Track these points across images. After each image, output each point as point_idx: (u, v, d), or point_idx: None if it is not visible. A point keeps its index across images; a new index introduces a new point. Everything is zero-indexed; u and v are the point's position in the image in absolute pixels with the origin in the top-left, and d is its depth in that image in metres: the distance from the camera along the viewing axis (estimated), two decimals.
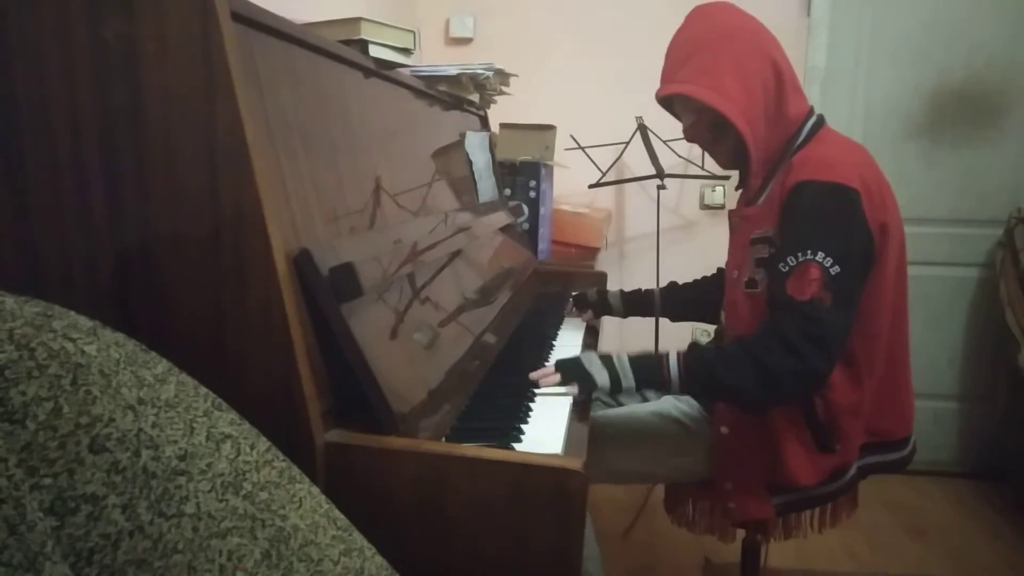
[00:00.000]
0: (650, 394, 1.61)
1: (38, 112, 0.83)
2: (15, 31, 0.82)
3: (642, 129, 2.39)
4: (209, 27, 0.79)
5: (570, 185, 2.63)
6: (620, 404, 1.59)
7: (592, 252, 2.60)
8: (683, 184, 2.65)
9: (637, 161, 2.46)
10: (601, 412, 1.46)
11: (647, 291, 1.75)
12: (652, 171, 2.35)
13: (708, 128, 1.30)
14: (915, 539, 2.25)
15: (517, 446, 0.95)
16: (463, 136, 1.80)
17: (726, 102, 1.21)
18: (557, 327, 1.67)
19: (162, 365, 0.69)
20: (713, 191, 2.70)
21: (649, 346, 2.33)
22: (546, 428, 1.03)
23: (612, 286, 1.95)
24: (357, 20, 1.22)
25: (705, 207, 2.73)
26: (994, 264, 2.51)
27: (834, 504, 1.40)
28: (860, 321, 1.21)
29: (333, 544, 0.74)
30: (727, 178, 2.44)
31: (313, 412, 0.83)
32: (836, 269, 1.13)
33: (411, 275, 1.12)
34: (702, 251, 2.70)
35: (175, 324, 0.85)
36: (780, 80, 1.24)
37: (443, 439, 0.96)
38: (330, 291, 0.87)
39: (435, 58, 2.67)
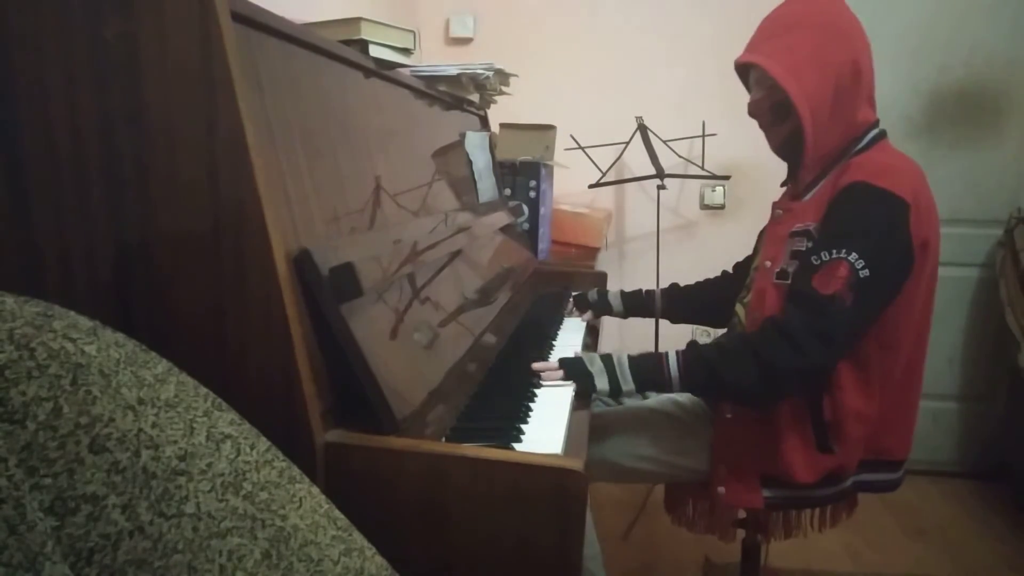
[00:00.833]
0: (651, 392, 1.62)
1: (38, 112, 0.83)
2: (15, 31, 0.82)
3: (642, 129, 2.39)
4: (209, 27, 0.79)
5: (570, 185, 2.63)
6: (619, 402, 1.59)
7: (592, 252, 2.60)
8: (683, 184, 2.66)
9: (637, 161, 2.46)
10: (602, 410, 1.46)
11: (648, 292, 1.75)
12: (652, 171, 2.36)
13: (771, 108, 1.28)
14: (915, 539, 2.25)
15: (517, 446, 0.95)
16: (463, 136, 1.80)
17: (797, 85, 1.21)
18: (557, 327, 1.67)
19: (162, 365, 0.69)
20: (713, 191, 2.70)
21: (649, 345, 2.33)
22: (546, 428, 1.03)
23: (612, 286, 1.95)
24: (357, 20, 1.22)
25: (705, 207, 2.73)
26: (994, 264, 2.51)
27: (834, 505, 1.40)
28: (883, 329, 1.20)
29: (333, 544, 0.74)
30: (727, 178, 2.45)
31: (313, 412, 0.83)
32: (865, 273, 1.12)
33: (411, 275, 1.12)
34: (702, 251, 2.70)
35: (175, 324, 0.85)
36: (857, 83, 1.23)
37: (443, 439, 0.96)
38: (330, 291, 0.87)
39: (435, 58, 2.67)
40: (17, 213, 0.86)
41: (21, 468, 0.51)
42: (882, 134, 1.31)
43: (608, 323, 2.02)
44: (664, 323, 2.25)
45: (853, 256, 1.13)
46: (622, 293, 1.77)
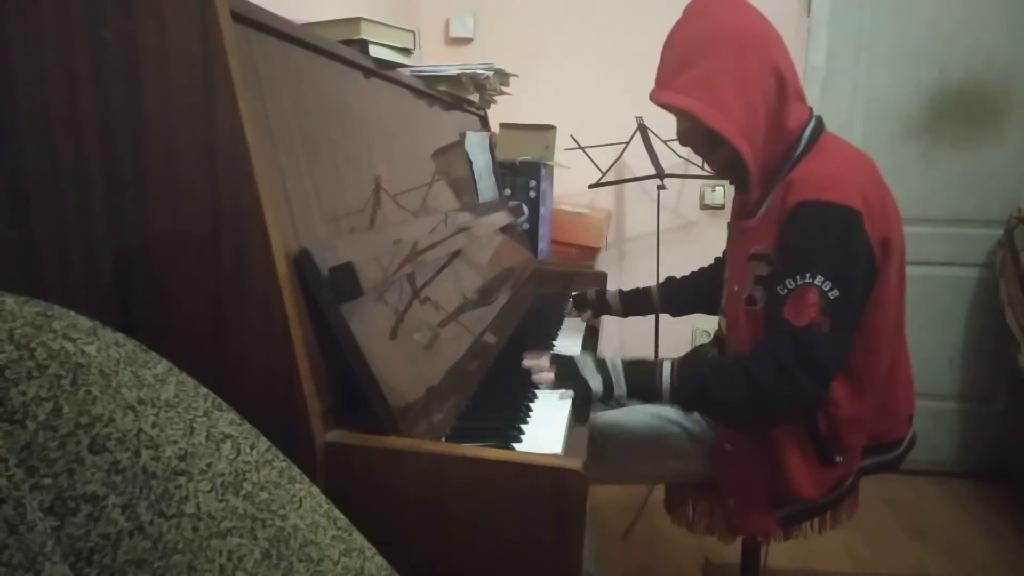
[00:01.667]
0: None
1: (38, 112, 0.83)
2: (15, 31, 0.82)
3: (642, 129, 2.39)
4: (209, 27, 0.79)
5: (570, 185, 2.63)
6: (621, 404, 1.59)
7: (592, 252, 2.60)
8: (683, 184, 2.65)
9: (637, 161, 2.46)
10: (601, 414, 1.45)
11: (645, 289, 1.75)
12: (652, 171, 2.35)
13: (703, 138, 1.25)
14: (915, 539, 2.25)
15: (517, 446, 0.95)
16: (463, 136, 1.80)
17: (725, 121, 1.17)
18: (557, 327, 1.67)
19: (162, 365, 0.69)
20: (713, 191, 2.70)
21: (649, 345, 2.33)
22: (546, 428, 1.03)
23: (612, 286, 1.95)
24: (357, 20, 1.21)
25: (705, 207, 2.73)
26: (994, 264, 2.51)
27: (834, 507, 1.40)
28: (863, 335, 1.19)
29: (333, 544, 0.74)
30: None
31: (313, 412, 0.83)
32: (835, 293, 1.10)
33: (411, 275, 1.12)
34: (702, 251, 2.68)
35: (175, 324, 0.85)
36: (783, 88, 1.19)
37: (443, 439, 0.96)
38: (330, 291, 0.87)
39: (435, 58, 2.67)
40: (17, 213, 0.86)
41: (21, 468, 0.51)
42: (819, 126, 1.26)
43: (608, 323, 2.02)
44: (664, 323, 2.26)
45: (819, 279, 1.10)
46: (620, 292, 1.76)
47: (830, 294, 1.10)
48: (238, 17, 0.84)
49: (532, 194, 2.25)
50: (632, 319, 1.82)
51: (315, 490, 0.78)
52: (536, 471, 0.83)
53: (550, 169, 2.37)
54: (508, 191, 2.23)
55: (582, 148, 2.40)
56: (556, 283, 2.12)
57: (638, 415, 1.44)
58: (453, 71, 1.60)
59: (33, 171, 0.84)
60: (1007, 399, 2.59)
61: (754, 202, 1.28)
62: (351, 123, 1.14)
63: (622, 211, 2.80)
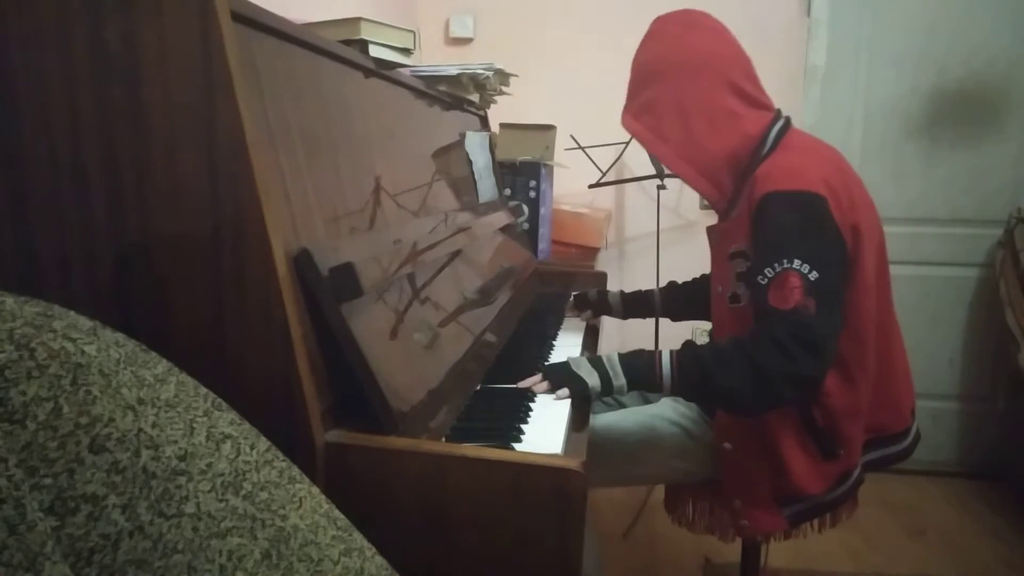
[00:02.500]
0: (652, 395, 1.62)
1: (38, 112, 0.83)
2: (15, 31, 0.82)
3: None
4: (209, 27, 0.79)
5: (570, 185, 2.63)
6: (622, 405, 1.59)
7: (592, 252, 2.60)
8: (683, 184, 2.63)
9: (637, 161, 2.46)
10: (602, 416, 1.45)
11: (647, 292, 1.75)
12: (652, 171, 2.35)
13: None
14: (915, 539, 2.25)
15: (517, 446, 0.95)
16: (463, 136, 1.80)
17: (662, 146, 1.28)
18: (557, 327, 1.67)
19: (162, 365, 0.69)
20: None
21: (649, 346, 2.33)
22: (546, 428, 1.03)
23: (612, 286, 1.95)
24: (357, 20, 1.22)
25: (705, 207, 2.73)
26: (994, 264, 2.51)
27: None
28: (847, 323, 1.20)
29: (333, 544, 0.74)
30: None
31: (313, 412, 0.83)
32: (815, 275, 1.11)
33: (411, 275, 1.12)
34: (702, 251, 2.67)
35: (175, 324, 0.85)
36: (734, 99, 1.26)
37: (443, 439, 0.96)
38: (330, 291, 0.87)
39: (435, 58, 2.67)
40: (17, 214, 0.86)
41: (21, 468, 0.51)
42: (786, 125, 1.31)
43: (608, 323, 2.02)
44: (664, 325, 2.26)
45: (796, 263, 1.12)
46: (622, 294, 1.76)
47: (810, 276, 1.12)
48: (238, 17, 0.84)
49: (532, 194, 2.25)
50: (632, 320, 1.82)
51: (315, 490, 0.78)
52: (536, 471, 0.83)
53: (550, 169, 2.37)
54: (508, 191, 2.24)
55: (582, 148, 2.40)
56: (556, 283, 2.12)
57: (636, 417, 1.44)
58: (453, 71, 1.60)
59: (33, 171, 0.84)
60: (1007, 399, 2.59)
61: (726, 205, 1.32)
62: (351, 123, 1.14)
63: (622, 211, 2.80)
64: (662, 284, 1.76)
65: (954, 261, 2.59)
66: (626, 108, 1.35)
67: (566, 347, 1.51)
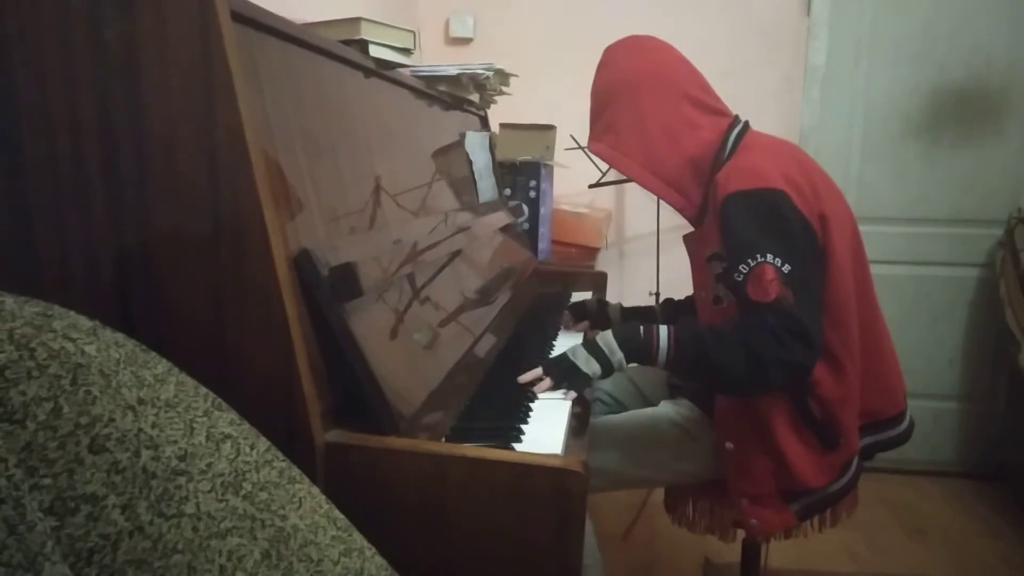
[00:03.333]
0: (649, 392, 1.61)
1: (38, 112, 0.83)
2: (15, 31, 0.82)
3: None
4: (209, 27, 0.79)
5: (570, 185, 2.63)
6: (622, 407, 1.59)
7: (592, 252, 2.60)
8: None
9: None
10: (602, 418, 1.45)
11: (648, 308, 1.72)
12: None
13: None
14: (915, 539, 2.25)
15: (517, 446, 0.95)
16: (463, 136, 1.80)
17: (627, 161, 1.31)
18: (557, 327, 1.67)
19: (162, 365, 0.69)
20: None
21: None
22: (546, 428, 1.03)
23: (612, 286, 1.94)
24: (357, 20, 1.22)
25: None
26: (994, 264, 2.51)
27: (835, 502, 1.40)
28: (828, 312, 1.23)
29: (333, 544, 0.74)
30: None
31: (313, 412, 0.83)
32: (787, 267, 1.14)
33: (411, 275, 1.12)
34: None
35: (175, 324, 0.85)
36: (689, 109, 1.31)
37: (443, 439, 0.96)
38: (330, 291, 0.87)
39: (435, 58, 2.67)
40: (17, 213, 0.86)
41: (21, 468, 0.51)
42: (744, 130, 1.34)
43: None
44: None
45: (769, 257, 1.15)
46: (622, 307, 1.72)
47: (783, 268, 1.15)
48: (238, 17, 0.84)
49: (532, 194, 2.25)
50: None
51: (315, 490, 0.78)
52: (536, 471, 0.83)
53: (550, 169, 2.37)
54: (508, 191, 2.23)
55: (582, 148, 2.40)
56: (556, 283, 2.12)
57: (636, 419, 1.44)
58: (453, 71, 1.60)
59: (33, 171, 0.84)
60: (1007, 399, 2.59)
61: (697, 213, 1.35)
62: (351, 123, 1.14)
63: (622, 211, 2.80)
64: (663, 285, 1.76)
65: (954, 261, 2.59)
66: (590, 135, 1.39)
67: (566, 347, 1.51)
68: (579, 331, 1.71)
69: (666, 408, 1.44)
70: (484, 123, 2.09)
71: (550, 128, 2.34)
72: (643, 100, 1.31)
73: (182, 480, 0.62)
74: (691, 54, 1.38)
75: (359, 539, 0.78)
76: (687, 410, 1.41)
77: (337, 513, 0.78)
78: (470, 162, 1.81)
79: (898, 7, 2.50)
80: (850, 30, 2.54)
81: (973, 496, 2.54)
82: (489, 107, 2.02)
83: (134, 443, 0.60)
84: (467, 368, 1.19)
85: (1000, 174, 2.53)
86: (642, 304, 1.78)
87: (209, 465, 0.66)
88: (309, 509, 0.74)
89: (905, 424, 1.40)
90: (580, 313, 1.73)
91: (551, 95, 2.66)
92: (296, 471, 0.77)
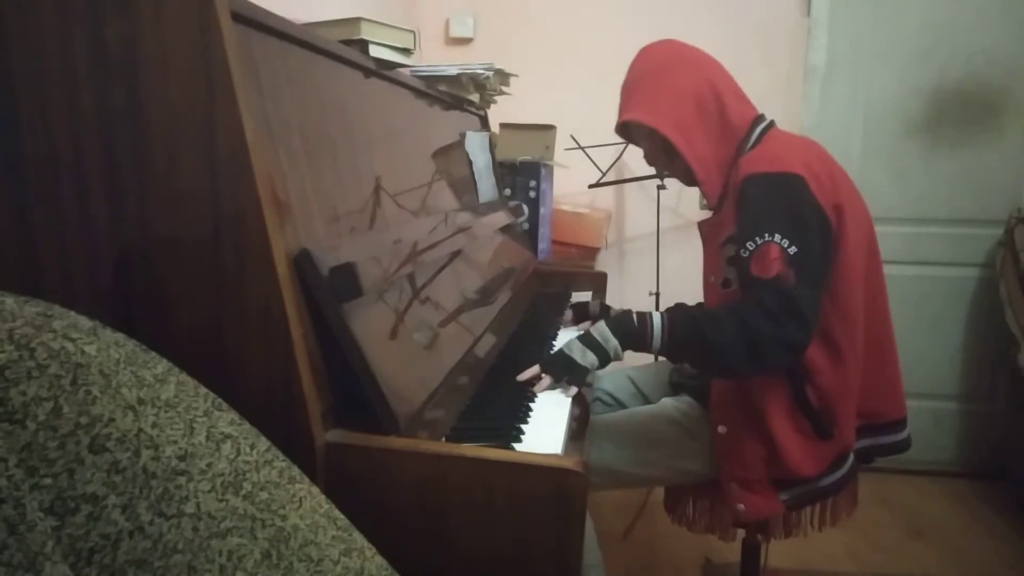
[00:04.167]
0: (648, 391, 1.61)
1: (38, 112, 0.83)
2: (15, 31, 0.82)
3: None
4: (209, 27, 0.79)
5: (570, 185, 2.63)
6: (622, 406, 1.59)
7: (592, 252, 2.60)
8: (683, 184, 2.65)
9: (637, 161, 2.44)
10: (601, 416, 1.45)
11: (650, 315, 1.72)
12: (652, 171, 2.35)
13: (661, 150, 1.39)
14: (915, 539, 2.25)
15: (517, 446, 0.95)
16: (463, 136, 1.80)
17: (659, 118, 1.32)
18: (557, 327, 1.67)
19: (162, 365, 0.69)
20: None
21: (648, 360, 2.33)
22: (546, 428, 1.03)
23: (612, 286, 1.94)
24: (357, 20, 1.22)
25: (705, 207, 2.73)
26: (994, 264, 2.51)
27: (835, 501, 1.40)
28: (834, 302, 1.24)
29: (333, 544, 0.74)
30: None
31: (313, 412, 0.83)
32: (793, 249, 1.16)
33: (411, 275, 1.12)
34: (702, 252, 2.69)
35: (175, 324, 0.85)
36: (718, 93, 1.32)
37: (443, 439, 0.96)
38: (330, 291, 0.87)
39: (435, 58, 2.67)
40: (17, 214, 0.86)
41: (21, 468, 0.51)
42: (770, 126, 1.36)
43: None
44: None
45: (777, 237, 1.17)
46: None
47: (789, 250, 1.17)
48: (238, 17, 0.84)
49: (532, 194, 2.25)
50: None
51: (315, 490, 0.78)
52: (536, 471, 0.83)
53: (550, 169, 2.37)
54: (508, 191, 2.23)
55: (582, 148, 2.40)
56: (556, 283, 2.12)
57: (636, 417, 1.44)
58: (453, 71, 1.60)
59: (33, 172, 0.84)
60: (1007, 399, 2.58)
61: (716, 200, 1.37)
62: (351, 123, 1.14)
63: (622, 211, 2.80)
64: (662, 284, 1.76)
65: (954, 261, 2.59)
66: (621, 112, 1.41)
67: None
68: (580, 330, 1.70)
69: (666, 406, 1.44)
70: (484, 123, 2.09)
71: (550, 128, 2.34)
72: (677, 77, 1.33)
73: (182, 480, 0.63)
74: None
75: (359, 539, 0.78)
76: (688, 407, 1.41)
77: (337, 513, 0.78)
78: (470, 162, 1.81)
79: (898, 7, 2.50)
80: (850, 30, 2.54)
81: (973, 496, 2.54)
82: (489, 107, 2.02)
83: (134, 443, 0.60)
84: (467, 368, 1.19)
85: (1000, 174, 2.53)
86: (643, 306, 1.77)
87: (209, 465, 0.66)
88: (309, 509, 0.74)
89: (905, 433, 1.40)
90: (582, 314, 1.74)
91: (551, 95, 2.66)
92: (296, 471, 0.77)
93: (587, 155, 2.40)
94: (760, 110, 1.38)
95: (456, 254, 1.37)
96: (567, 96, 2.70)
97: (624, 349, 1.22)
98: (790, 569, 2.04)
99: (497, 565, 0.85)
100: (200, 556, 0.61)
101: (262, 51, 0.90)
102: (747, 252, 1.19)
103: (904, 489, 2.55)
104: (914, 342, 2.55)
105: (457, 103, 1.77)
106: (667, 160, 1.41)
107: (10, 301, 0.57)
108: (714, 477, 1.36)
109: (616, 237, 2.80)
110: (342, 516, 0.79)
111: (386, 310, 1.00)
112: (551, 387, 1.19)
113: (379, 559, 0.79)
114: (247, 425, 0.75)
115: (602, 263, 2.72)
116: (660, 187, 2.40)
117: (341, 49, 1.15)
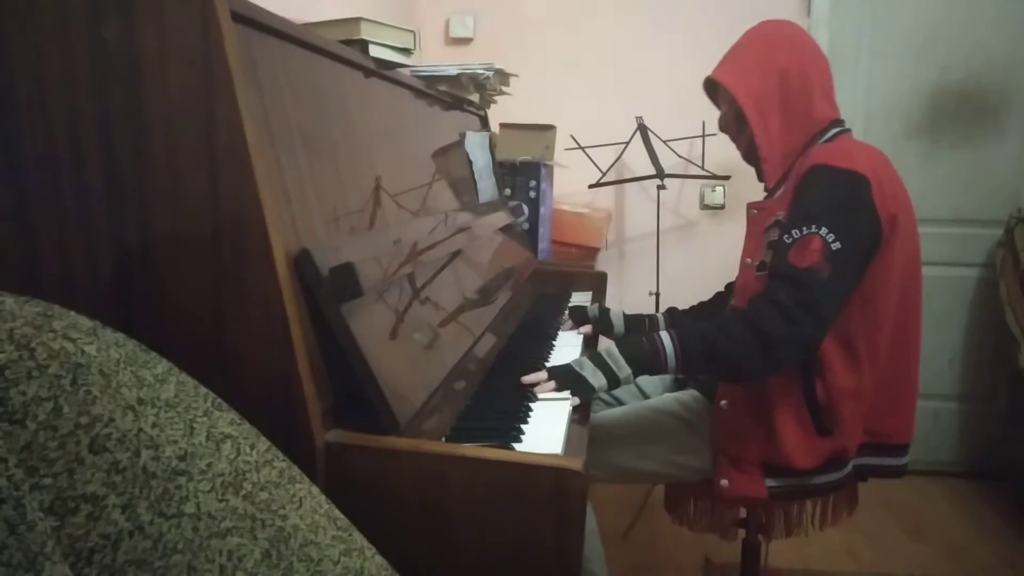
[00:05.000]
0: (648, 388, 1.61)
1: (38, 112, 0.83)
2: (15, 32, 0.82)
3: (642, 129, 2.39)
4: (209, 27, 0.79)
5: (570, 185, 2.63)
6: (621, 404, 1.59)
7: (592, 252, 2.60)
8: (683, 184, 2.65)
9: (637, 161, 2.46)
10: (602, 413, 1.45)
11: (651, 317, 1.68)
12: (652, 171, 2.36)
13: (734, 119, 1.40)
14: (915, 539, 2.25)
15: (517, 446, 0.95)
16: (463, 136, 1.80)
17: (741, 87, 1.33)
18: (557, 327, 1.67)
19: (162, 365, 0.69)
20: (713, 191, 2.70)
21: None
22: (546, 428, 1.03)
23: (612, 286, 1.94)
24: (357, 20, 1.22)
25: (705, 207, 2.73)
26: (994, 264, 2.51)
27: (834, 500, 1.40)
28: (863, 306, 1.23)
29: (333, 544, 0.74)
30: (727, 178, 2.45)
31: (313, 412, 0.83)
32: (837, 245, 1.16)
33: (411, 275, 1.12)
34: (702, 251, 2.69)
35: (175, 324, 0.85)
36: (807, 83, 1.32)
37: (443, 439, 0.96)
38: (330, 291, 0.87)
39: (435, 58, 2.67)
40: (17, 214, 0.86)
41: (21, 468, 0.51)
42: (846, 131, 1.37)
43: None
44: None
45: (824, 230, 1.17)
46: (624, 315, 1.66)
47: (832, 245, 1.17)
48: (238, 17, 0.84)
49: (532, 194, 2.25)
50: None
51: (315, 490, 0.78)
52: (536, 471, 0.83)
53: (550, 169, 2.37)
54: (508, 191, 2.23)
55: (582, 148, 2.40)
56: (556, 283, 2.12)
57: (636, 411, 1.44)
58: (453, 71, 1.60)
59: (33, 171, 0.84)
60: (1007, 399, 2.58)
61: (773, 183, 1.37)
62: (351, 123, 1.14)
63: (622, 211, 2.80)
64: (662, 284, 1.76)
65: (954, 261, 2.59)
66: (716, 68, 1.41)
67: (566, 347, 1.51)
68: (580, 333, 1.66)
69: (668, 400, 1.44)
70: (484, 123, 2.09)
71: (550, 128, 2.34)
72: (775, 55, 1.34)
73: (182, 480, 0.63)
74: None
75: (359, 539, 0.78)
76: (692, 400, 1.41)
77: (337, 513, 0.78)
78: (470, 162, 1.81)
79: (898, 7, 2.50)
80: (850, 30, 2.54)
81: (973, 496, 2.54)
82: (489, 107, 2.02)
83: (134, 443, 0.60)
84: (467, 368, 1.19)
85: (1000, 174, 2.53)
86: (643, 308, 1.77)
87: (209, 465, 0.66)
88: (309, 509, 0.74)
89: (906, 459, 1.39)
90: (581, 319, 1.68)
91: (551, 95, 2.66)
92: (296, 471, 0.77)
93: (587, 155, 2.40)
94: None
95: (456, 254, 1.37)
96: (567, 96, 2.70)
97: (637, 376, 1.20)
98: (790, 569, 2.05)
99: (497, 565, 0.85)
100: (200, 556, 0.61)
101: (262, 51, 0.90)
102: (791, 239, 1.20)
103: (904, 489, 2.54)
104: None
105: (457, 103, 1.77)
106: (736, 130, 1.42)
107: (10, 301, 0.57)
108: (713, 476, 1.36)
109: (616, 237, 2.80)
110: (342, 516, 0.79)
111: (386, 310, 1.00)
112: (554, 391, 1.17)
113: (379, 559, 0.79)
114: (247, 425, 0.75)
115: (602, 263, 2.72)
116: (660, 187, 2.40)
117: (341, 49, 1.15)
